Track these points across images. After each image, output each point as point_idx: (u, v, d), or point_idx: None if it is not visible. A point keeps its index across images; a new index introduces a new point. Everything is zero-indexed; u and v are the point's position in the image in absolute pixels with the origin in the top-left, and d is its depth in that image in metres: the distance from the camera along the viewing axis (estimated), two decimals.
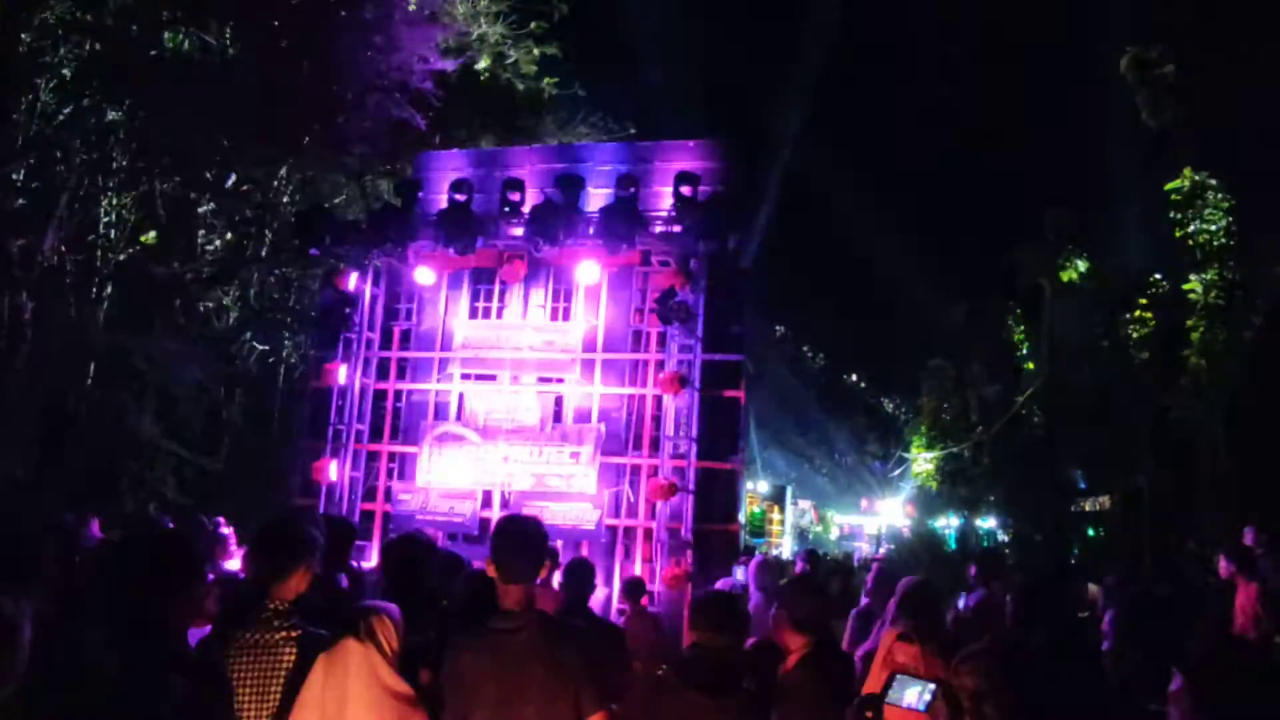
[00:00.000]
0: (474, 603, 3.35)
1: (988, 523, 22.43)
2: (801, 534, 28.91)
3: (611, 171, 9.08)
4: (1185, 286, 14.41)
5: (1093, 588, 9.45)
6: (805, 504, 31.43)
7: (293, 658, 2.82)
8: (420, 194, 9.70)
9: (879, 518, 30.73)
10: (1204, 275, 14.16)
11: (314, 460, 9.18)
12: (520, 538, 2.95)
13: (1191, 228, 14.38)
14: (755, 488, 24.47)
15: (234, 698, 2.62)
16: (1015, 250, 20.28)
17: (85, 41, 12.64)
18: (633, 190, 8.71)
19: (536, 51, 18.45)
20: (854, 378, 36.66)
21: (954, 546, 19.57)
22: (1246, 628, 6.80)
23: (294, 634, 2.85)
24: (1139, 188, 17.59)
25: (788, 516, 25.98)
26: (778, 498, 25.41)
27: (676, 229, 8.60)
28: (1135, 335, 17.10)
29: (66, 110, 12.54)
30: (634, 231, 8.43)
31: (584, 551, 8.46)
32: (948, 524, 24.35)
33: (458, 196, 9.08)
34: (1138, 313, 17.32)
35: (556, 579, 5.14)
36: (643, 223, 8.61)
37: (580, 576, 4.55)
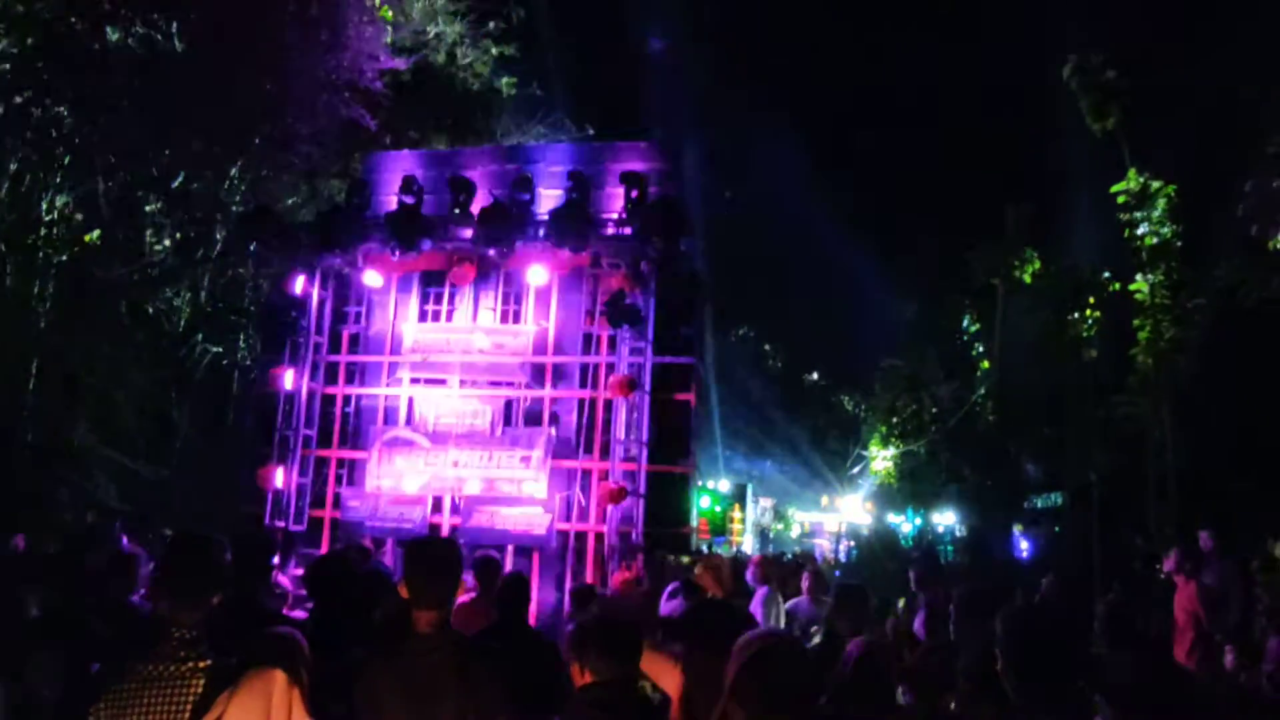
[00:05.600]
0: (397, 624, 3.25)
1: (945, 518, 22.66)
2: (763, 533, 29.01)
3: (562, 173, 9.00)
4: (1132, 286, 14.69)
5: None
6: (766, 502, 31.52)
7: (201, 689, 2.65)
8: (370, 195, 9.56)
9: (839, 515, 30.89)
10: (1150, 276, 14.45)
11: (261, 466, 9.01)
12: (433, 562, 2.86)
13: (1139, 229, 14.65)
14: (716, 486, 24.48)
15: None
16: (970, 250, 20.55)
17: (24, 35, 12.27)
18: (583, 192, 8.66)
19: (494, 51, 18.27)
20: (814, 376, 36.88)
21: (909, 544, 19.75)
22: (1186, 626, 6.92)
23: (202, 664, 2.70)
24: (1090, 189, 17.89)
25: (748, 515, 26.05)
26: (739, 496, 25.47)
27: (627, 231, 8.57)
28: (1085, 334, 17.41)
29: (3, 106, 12.18)
30: (584, 234, 8.38)
31: (533, 558, 8.41)
32: (906, 521, 24.54)
33: (406, 198, 8.95)
34: (1088, 311, 17.64)
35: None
36: (593, 224, 8.56)
37: (515, 592, 4.47)
